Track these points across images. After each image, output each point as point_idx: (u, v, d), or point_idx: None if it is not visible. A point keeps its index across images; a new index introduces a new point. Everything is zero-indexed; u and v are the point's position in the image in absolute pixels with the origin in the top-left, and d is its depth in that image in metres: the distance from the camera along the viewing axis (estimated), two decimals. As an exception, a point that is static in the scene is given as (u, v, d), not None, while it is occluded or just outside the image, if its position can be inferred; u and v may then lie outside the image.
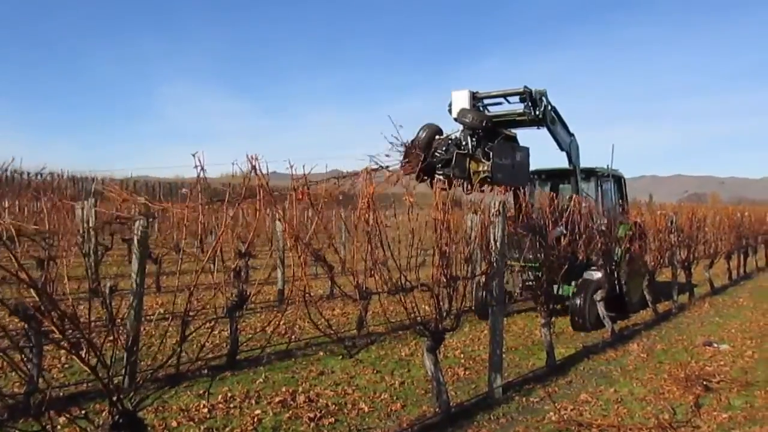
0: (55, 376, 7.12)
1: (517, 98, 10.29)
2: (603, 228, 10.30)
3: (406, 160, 9.95)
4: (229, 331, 7.91)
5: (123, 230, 17.79)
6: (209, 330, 4.57)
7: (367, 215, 4.90)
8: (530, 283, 10.21)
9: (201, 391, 6.59)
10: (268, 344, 8.50)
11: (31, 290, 3.24)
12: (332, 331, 6.10)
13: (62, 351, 7.55)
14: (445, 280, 5.87)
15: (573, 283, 10.72)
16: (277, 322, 9.77)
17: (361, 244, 5.38)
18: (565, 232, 8.72)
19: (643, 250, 12.11)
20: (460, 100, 10.28)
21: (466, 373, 7.95)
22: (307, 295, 4.88)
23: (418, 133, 10.16)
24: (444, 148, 10.14)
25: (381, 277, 5.44)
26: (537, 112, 10.08)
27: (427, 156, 9.99)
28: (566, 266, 8.40)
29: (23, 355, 4.34)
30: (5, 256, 3.38)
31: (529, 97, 9.99)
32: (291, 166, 4.74)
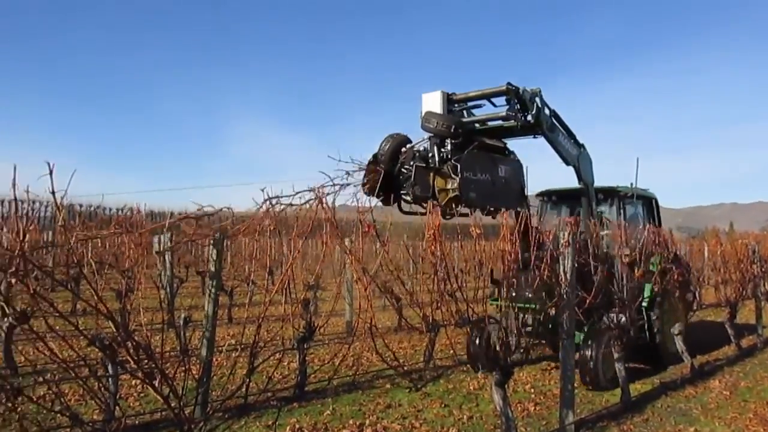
0: (131, 404, 7.33)
1: (504, 101, 8.23)
2: (626, 260, 8.46)
3: (366, 178, 8.03)
4: (297, 362, 7.97)
5: (197, 263, 18.46)
6: (278, 361, 4.63)
7: (433, 247, 4.88)
8: (528, 328, 7.69)
9: (269, 422, 6.64)
10: (336, 376, 8.51)
11: (109, 322, 3.38)
12: (399, 364, 6.07)
13: (138, 381, 7.83)
14: (513, 312, 5.76)
15: (586, 328, 8.52)
16: (344, 354, 9.78)
17: (428, 276, 5.36)
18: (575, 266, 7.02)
19: (683, 288, 10.08)
20: (431, 104, 8.21)
21: (537, 408, 7.73)
22: (374, 327, 4.87)
23: (381, 144, 8.19)
24: (410, 163, 8.08)
25: (448, 309, 5.39)
26: (528, 117, 8.09)
27: (392, 172, 8.08)
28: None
29: (101, 384, 4.50)
30: (87, 288, 3.53)
31: (515, 96, 7.96)
32: (357, 200, 4.79)
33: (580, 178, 9.37)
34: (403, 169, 8.04)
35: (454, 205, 7.65)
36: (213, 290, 6.74)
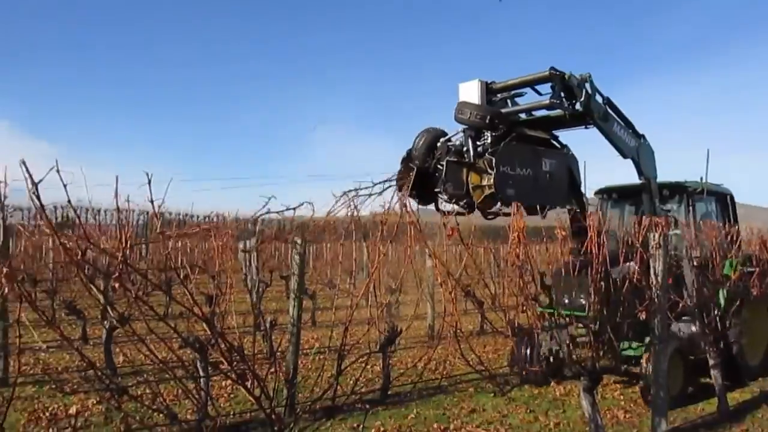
0: (222, 405, 7.58)
1: (550, 90, 7.47)
2: (694, 263, 7.59)
3: (400, 176, 7.40)
4: (381, 365, 8.02)
5: (281, 267, 18.90)
6: (363, 364, 4.68)
7: (517, 250, 4.81)
8: (581, 340, 6.83)
9: (355, 425, 6.72)
10: (420, 380, 8.51)
11: (204, 324, 3.51)
12: (484, 368, 6.01)
13: (228, 382, 8.09)
14: (603, 316, 5.58)
15: (648, 339, 7.18)
16: (428, 358, 9.77)
17: (511, 279, 5.29)
18: (635, 269, 6.29)
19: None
20: (468, 94, 7.50)
21: (627, 416, 7.47)
22: (459, 331, 4.85)
23: (415, 140, 7.59)
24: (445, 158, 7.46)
25: (533, 313, 5.30)
26: (576, 105, 7.39)
27: (428, 168, 7.45)
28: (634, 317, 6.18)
29: (197, 384, 4.70)
30: (178, 293, 3.69)
31: (560, 83, 7.25)
32: (441, 207, 4.78)
33: (640, 173, 8.51)
34: (438, 166, 7.41)
35: (488, 205, 7.14)
36: (297, 293, 6.89)
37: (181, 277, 3.73)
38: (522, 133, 7.57)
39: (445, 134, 7.61)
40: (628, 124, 8.23)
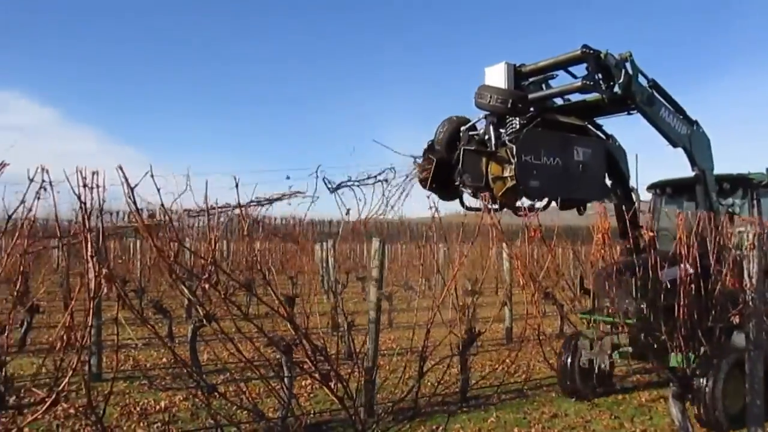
0: (302, 404, 7.71)
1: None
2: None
3: (422, 169, 6.88)
4: (459, 368, 7.97)
5: (357, 268, 19.10)
6: (443, 367, 4.66)
7: (602, 251, 4.67)
8: (624, 350, 6.57)
9: (434, 427, 6.70)
10: (500, 384, 8.40)
11: (288, 324, 3.58)
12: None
13: (307, 381, 8.23)
14: (692, 320, 5.34)
15: (703, 350, 5.74)
16: (511, 361, 9.63)
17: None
18: (690, 271, 5.41)
19: None
20: (495, 79, 6.81)
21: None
22: (541, 333, 4.76)
23: (437, 129, 7.01)
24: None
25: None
26: (614, 87, 6.68)
27: (451, 160, 6.81)
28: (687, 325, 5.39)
29: (282, 383, 4.79)
30: (259, 294, 3.76)
31: (594, 63, 6.53)
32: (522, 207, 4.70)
33: (693, 163, 7.68)
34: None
35: (510, 199, 6.47)
36: (376, 294, 6.92)
37: (266, 277, 3.81)
38: (551, 118, 6.93)
39: (469, 122, 7.00)
40: (678, 109, 7.51)
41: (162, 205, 3.04)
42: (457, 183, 6.73)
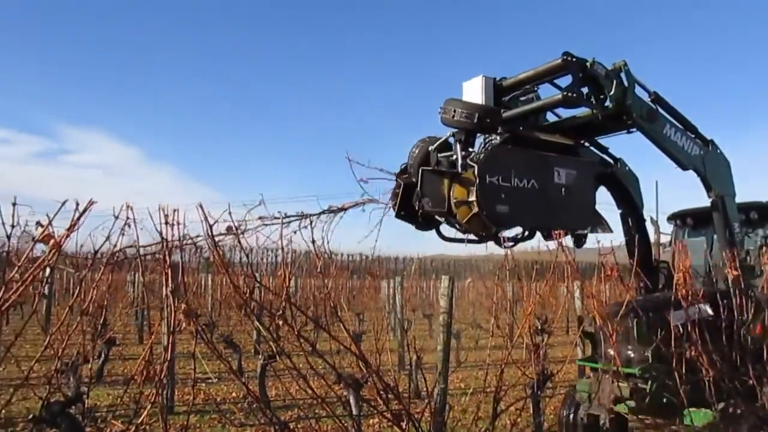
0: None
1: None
2: None
3: (394, 194, 6.13)
4: (531, 410, 7.73)
5: (424, 306, 18.99)
6: (517, 409, 4.53)
7: (683, 290, 4.46)
8: (626, 401, 5.57)
9: (505, 471, 6.50)
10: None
11: (358, 361, 3.56)
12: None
13: (375, 419, 8.15)
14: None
15: (723, 404, 5.12)
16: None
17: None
18: (709, 313, 4.82)
19: None
20: (472, 95, 5.98)
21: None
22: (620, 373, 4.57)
23: (411, 151, 6.17)
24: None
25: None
26: (604, 101, 5.79)
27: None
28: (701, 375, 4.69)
29: (354, 422, 4.75)
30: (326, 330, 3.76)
31: (578, 73, 5.62)
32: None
33: (708, 189, 6.72)
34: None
35: (481, 224, 5.52)
36: (445, 331, 6.81)
37: (338, 314, 3.82)
38: (530, 136, 6.07)
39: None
40: (688, 127, 6.58)
41: (239, 240, 3.10)
42: (417, 209, 5.83)
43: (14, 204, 3.05)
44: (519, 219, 5.69)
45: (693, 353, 4.52)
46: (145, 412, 2.77)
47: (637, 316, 5.08)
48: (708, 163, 6.63)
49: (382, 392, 3.45)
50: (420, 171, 5.64)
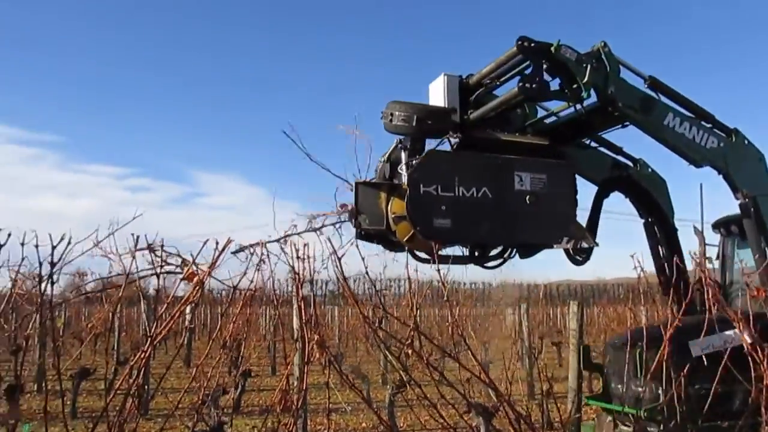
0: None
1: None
2: None
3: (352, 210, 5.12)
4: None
5: (552, 334, 18.45)
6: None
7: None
8: None
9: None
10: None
11: (490, 390, 3.53)
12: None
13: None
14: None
15: None
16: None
17: None
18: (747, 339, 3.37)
19: None
20: (436, 96, 5.14)
21: None
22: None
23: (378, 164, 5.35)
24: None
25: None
26: (580, 91, 4.76)
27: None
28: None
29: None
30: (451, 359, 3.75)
31: (537, 60, 4.64)
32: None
33: (735, 189, 5.50)
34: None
35: (424, 242, 4.59)
36: (576, 359, 6.62)
37: (466, 341, 3.81)
38: (490, 137, 5.15)
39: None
40: (701, 115, 5.37)
41: (367, 273, 3.20)
42: (353, 227, 4.91)
43: (162, 246, 3.34)
44: (465, 234, 4.85)
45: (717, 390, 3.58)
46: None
47: (647, 346, 4.04)
48: (731, 158, 5.44)
49: (514, 422, 3.38)
50: (354, 185, 4.87)
